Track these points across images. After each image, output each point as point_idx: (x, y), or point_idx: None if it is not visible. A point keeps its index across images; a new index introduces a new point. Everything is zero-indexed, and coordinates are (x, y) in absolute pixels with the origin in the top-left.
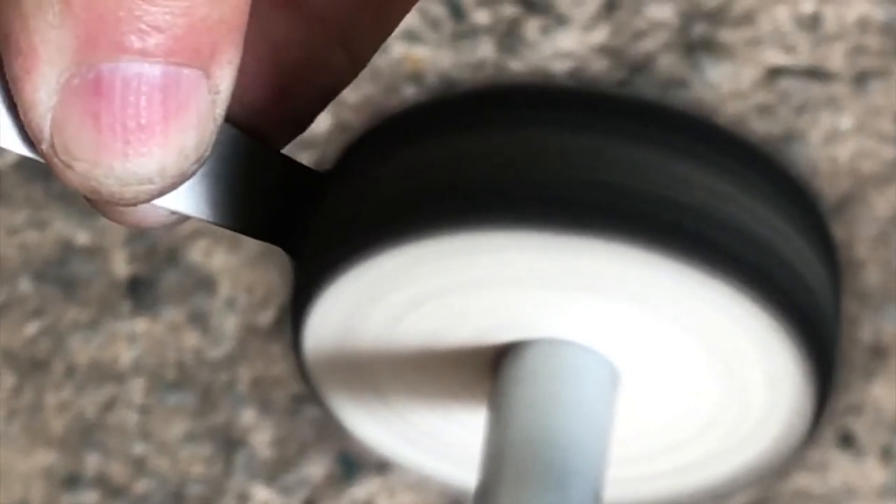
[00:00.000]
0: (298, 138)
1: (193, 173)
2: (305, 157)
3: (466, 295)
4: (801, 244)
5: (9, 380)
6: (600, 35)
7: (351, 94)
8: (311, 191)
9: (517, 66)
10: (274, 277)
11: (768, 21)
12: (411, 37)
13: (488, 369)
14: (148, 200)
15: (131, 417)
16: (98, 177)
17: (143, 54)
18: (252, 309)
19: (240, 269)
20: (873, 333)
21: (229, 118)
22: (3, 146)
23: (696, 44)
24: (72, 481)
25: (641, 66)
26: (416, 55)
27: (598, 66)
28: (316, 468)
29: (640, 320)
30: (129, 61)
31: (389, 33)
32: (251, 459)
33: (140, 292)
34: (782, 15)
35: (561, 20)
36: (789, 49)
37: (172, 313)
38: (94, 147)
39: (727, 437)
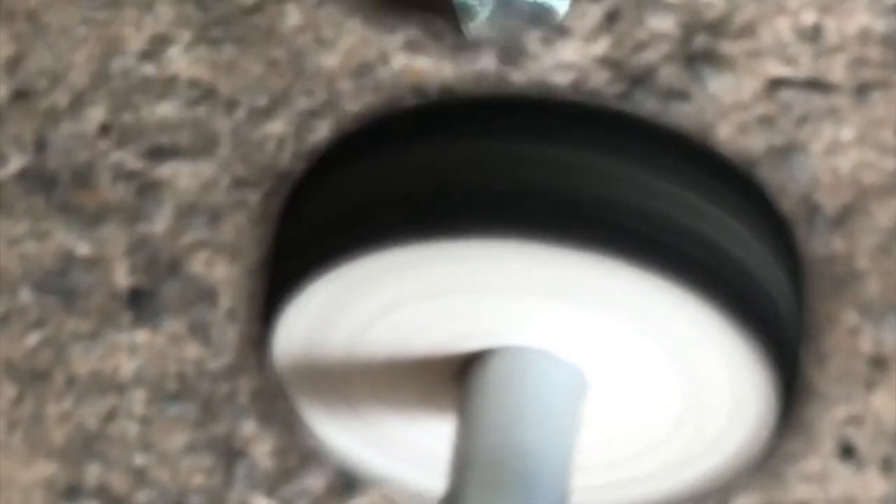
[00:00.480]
0: (299, 148)
1: None
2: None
3: (433, 303)
4: (767, 255)
5: (9, 390)
6: (601, 46)
7: (353, 105)
8: None
9: (518, 77)
10: None
11: (769, 33)
12: (413, 47)
13: (456, 377)
14: None
15: (132, 428)
16: None
17: None
18: (253, 320)
19: (241, 281)
20: (874, 344)
21: None
22: None
23: (697, 55)
24: (72, 492)
25: (642, 78)
26: (417, 66)
27: (599, 78)
28: (316, 479)
29: (606, 329)
30: None
31: None
32: (252, 470)
33: (141, 303)
34: (783, 26)
35: (562, 31)
36: (790, 60)
37: (173, 324)
38: None
39: (693, 443)
